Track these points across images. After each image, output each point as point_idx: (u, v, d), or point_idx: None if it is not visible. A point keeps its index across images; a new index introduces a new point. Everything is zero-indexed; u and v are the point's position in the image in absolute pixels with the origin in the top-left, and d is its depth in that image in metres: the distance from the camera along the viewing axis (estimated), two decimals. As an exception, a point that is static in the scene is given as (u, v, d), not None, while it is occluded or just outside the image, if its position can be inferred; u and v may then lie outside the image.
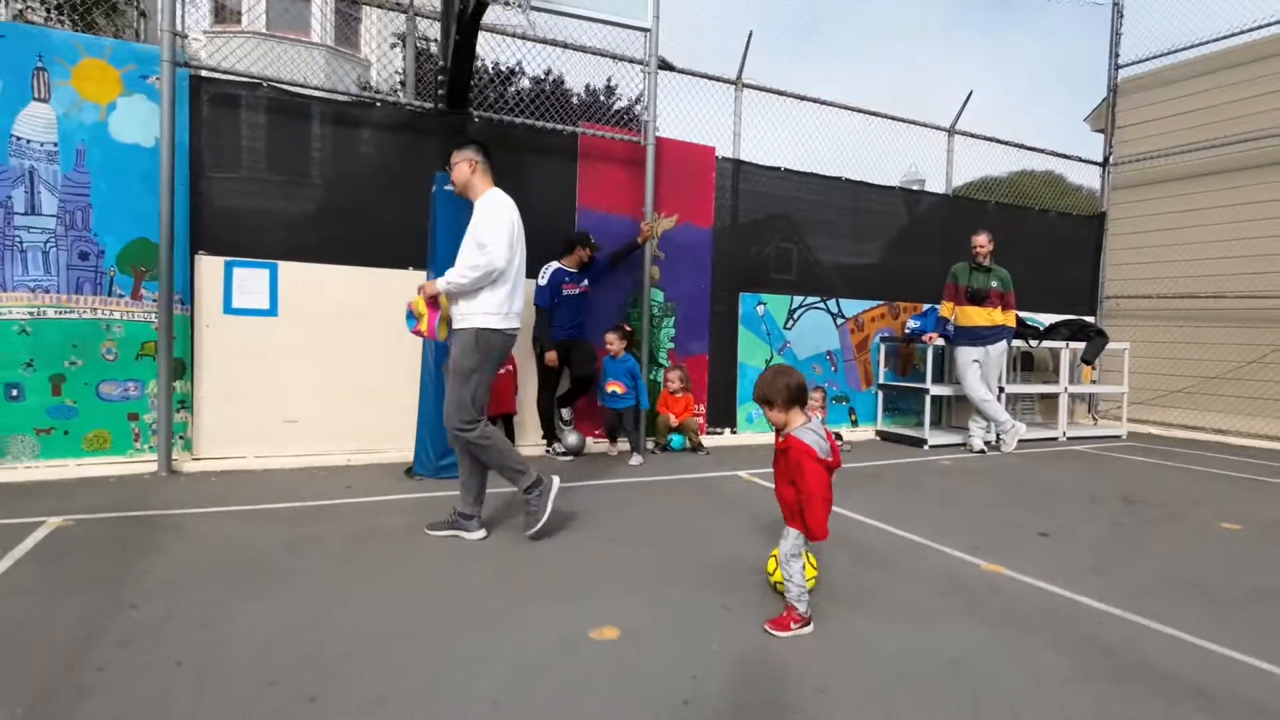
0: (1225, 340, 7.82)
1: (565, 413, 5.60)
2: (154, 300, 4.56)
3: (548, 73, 8.02)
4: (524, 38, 4.83)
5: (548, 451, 5.61)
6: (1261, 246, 7.56)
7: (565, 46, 5.63)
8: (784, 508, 2.59)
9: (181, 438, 4.69)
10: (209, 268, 4.73)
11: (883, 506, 4.21)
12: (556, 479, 3.49)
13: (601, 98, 11.19)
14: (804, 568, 2.53)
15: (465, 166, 3.44)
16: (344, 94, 5.12)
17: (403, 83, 5.34)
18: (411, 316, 3.46)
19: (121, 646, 2.20)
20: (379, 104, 5.19)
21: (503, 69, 6.82)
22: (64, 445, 4.42)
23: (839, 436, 6.41)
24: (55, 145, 4.34)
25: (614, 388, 5.43)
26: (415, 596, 2.68)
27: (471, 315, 3.31)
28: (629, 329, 5.57)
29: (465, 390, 3.30)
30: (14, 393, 4.31)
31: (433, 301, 3.40)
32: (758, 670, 2.18)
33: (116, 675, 2.03)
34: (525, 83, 8.73)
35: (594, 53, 5.87)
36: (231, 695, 1.95)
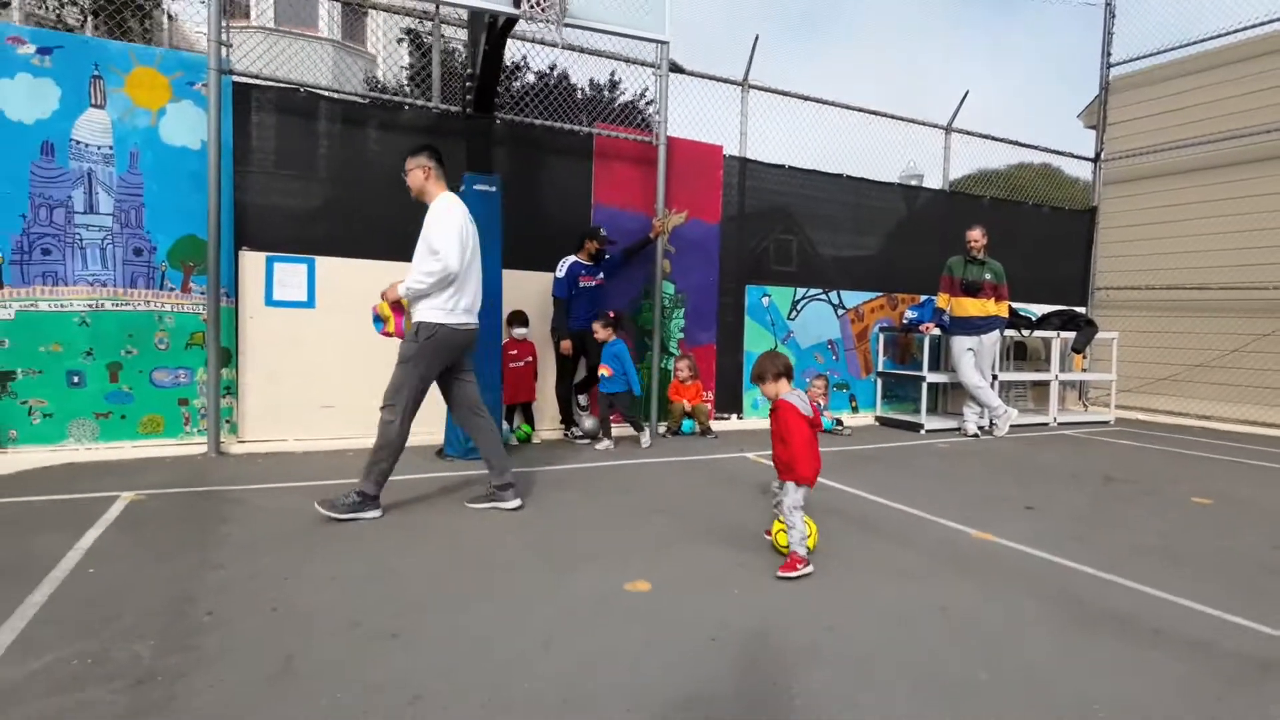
0: (1209, 330, 8.13)
1: (582, 399, 5.92)
2: (202, 293, 4.86)
3: (552, 67, 8.29)
4: (551, 44, 5.12)
5: (566, 435, 5.92)
6: (1244, 240, 7.86)
7: (582, 51, 5.90)
8: (777, 464, 3.06)
9: (227, 421, 5.00)
10: (252, 263, 5.03)
11: (882, 484, 4.53)
12: (377, 514, 3.49)
13: (605, 92, 11.46)
14: (805, 521, 2.93)
15: (420, 173, 3.60)
16: (375, 97, 5.41)
17: (417, 83, 5.60)
18: (378, 319, 3.66)
19: (221, 595, 2.52)
20: (408, 107, 5.48)
21: (507, 64, 7.08)
22: (121, 428, 4.73)
23: (839, 421, 6.73)
24: (111, 149, 4.63)
25: (602, 370, 5.58)
26: (465, 558, 3.00)
27: (419, 311, 3.51)
28: (613, 314, 5.67)
29: (399, 375, 3.47)
30: (75, 379, 4.61)
31: (396, 305, 3.59)
32: (774, 613, 2.50)
33: (224, 618, 2.35)
34: (530, 77, 8.99)
35: (609, 57, 6.14)
36: (324, 632, 2.27)
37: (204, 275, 4.83)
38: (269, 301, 5.09)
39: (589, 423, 5.76)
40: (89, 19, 6.60)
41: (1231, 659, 2.26)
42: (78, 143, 4.55)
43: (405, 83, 10.02)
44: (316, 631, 2.27)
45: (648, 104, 11.22)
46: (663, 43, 4.23)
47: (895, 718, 1.87)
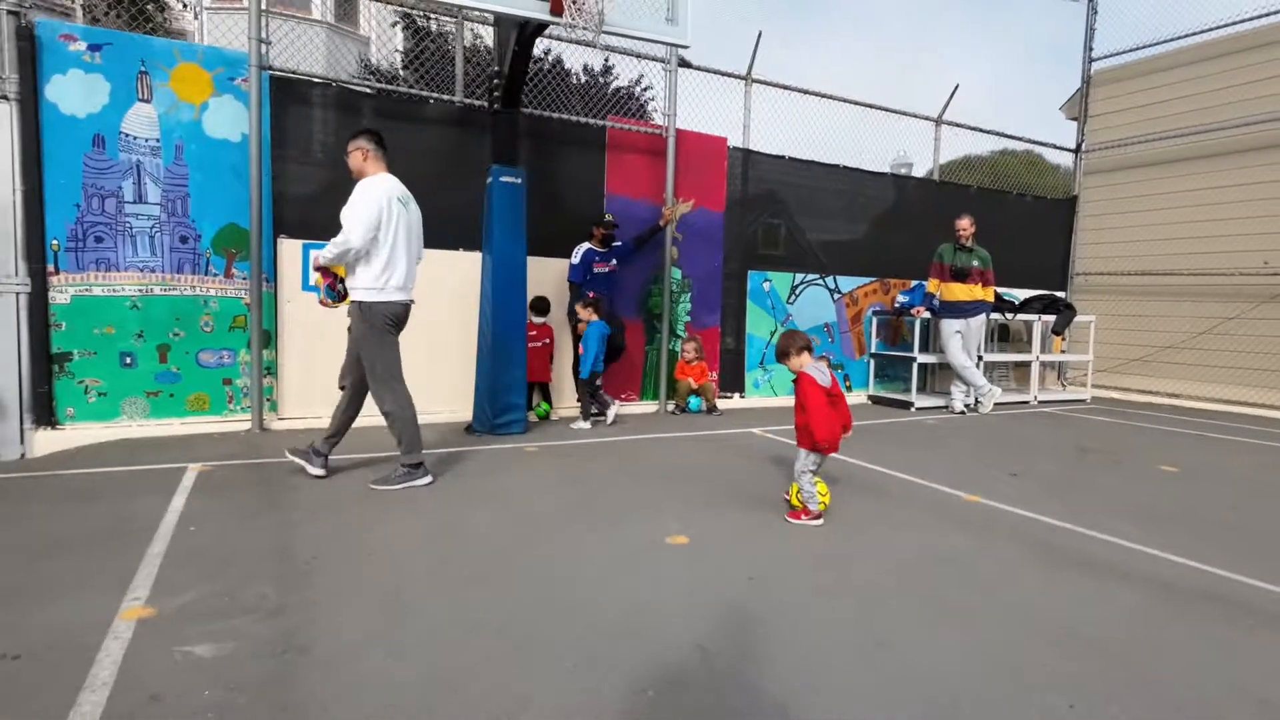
0: (1178, 313, 8.63)
1: (598, 381, 6.26)
2: (244, 278, 5.14)
3: (546, 52, 8.52)
4: (581, 43, 5.42)
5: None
6: (1211, 229, 8.34)
7: (596, 47, 6.16)
8: (797, 431, 3.44)
9: (268, 400, 5.30)
10: (289, 250, 5.31)
11: (879, 455, 4.94)
12: (429, 481, 3.84)
13: (599, 78, 11.72)
14: (815, 481, 3.36)
15: (358, 155, 3.75)
16: (403, 92, 5.66)
17: (414, 69, 5.85)
18: (315, 287, 3.95)
19: (315, 546, 2.87)
20: (432, 101, 5.75)
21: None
22: (170, 406, 5.02)
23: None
24: (158, 141, 4.87)
25: (581, 351, 5.80)
26: (519, 515, 3.37)
27: (354, 290, 3.73)
28: (593, 295, 5.81)
29: (366, 358, 3.73)
30: (127, 360, 4.89)
31: (324, 272, 3.81)
32: (799, 559, 2.89)
33: (326, 564, 2.70)
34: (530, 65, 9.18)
35: (622, 53, 6.43)
36: (417, 573, 2.63)
37: (245, 262, 5.10)
38: (305, 286, 5.37)
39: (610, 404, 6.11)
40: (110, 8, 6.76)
41: (1184, 594, 2.68)
42: (126, 135, 4.80)
43: (400, 68, 10.16)
44: (411, 573, 2.63)
45: (644, 90, 11.46)
46: (684, 47, 4.53)
47: (906, 635, 2.27)
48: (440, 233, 5.76)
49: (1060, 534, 3.34)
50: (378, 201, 3.65)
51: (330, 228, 5.38)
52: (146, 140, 4.85)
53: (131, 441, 4.70)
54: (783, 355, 3.52)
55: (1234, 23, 8.16)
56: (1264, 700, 1.93)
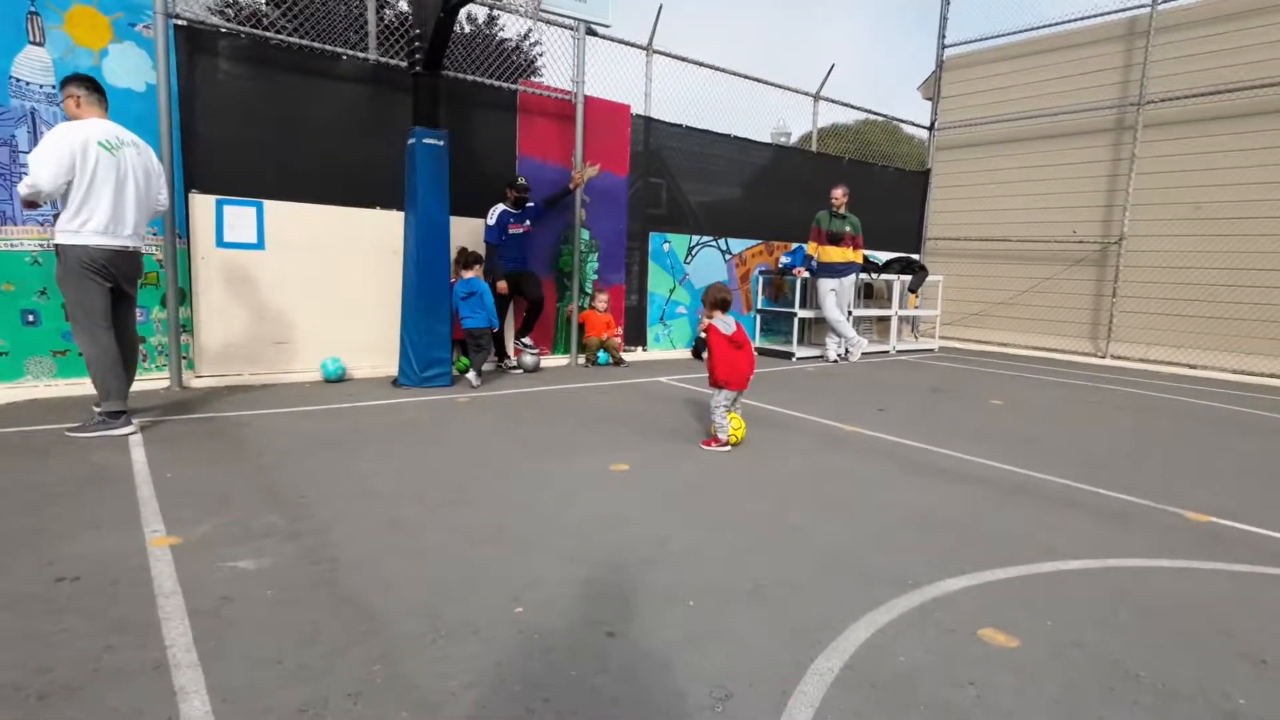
0: (1009, 274, 10.15)
1: (528, 340, 6.65)
2: (154, 234, 5.05)
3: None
4: (514, 12, 5.58)
5: (500, 366, 6.66)
6: (1037, 201, 9.83)
7: (518, 14, 6.31)
8: (709, 375, 4.15)
9: (184, 358, 5.29)
10: (202, 205, 5.25)
11: (770, 397, 5.73)
12: (131, 430, 3.89)
13: (485, 29, 11.74)
14: (726, 416, 4.05)
15: (71, 102, 3.77)
16: (315, 47, 5.64)
17: (283, 11, 5.84)
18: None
19: (300, 485, 3.18)
20: (345, 58, 5.76)
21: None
22: (78, 365, 4.88)
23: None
24: (54, 87, 4.65)
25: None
26: (475, 455, 3.80)
27: (57, 232, 3.74)
28: (466, 249, 5.94)
29: (66, 300, 3.80)
30: (30, 318, 4.73)
31: (30, 205, 3.72)
32: (721, 476, 3.55)
33: (318, 499, 3.03)
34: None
35: (530, 17, 6.63)
36: (404, 501, 3.03)
37: (157, 219, 5.01)
38: (220, 243, 5.34)
39: (529, 358, 6.53)
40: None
41: (1000, 487, 3.59)
42: (18, 80, 4.55)
43: (264, 5, 9.61)
44: (398, 502, 3.03)
45: (532, 45, 11.50)
46: (606, 25, 4.90)
47: (812, 519, 2.97)
48: (354, 190, 5.90)
49: (916, 452, 4.22)
50: (67, 144, 3.62)
51: (244, 181, 5.41)
52: (41, 86, 4.63)
53: (44, 402, 4.61)
54: (704, 304, 4.25)
55: (1076, 19, 9.47)
56: (1050, 549, 2.79)
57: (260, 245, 5.51)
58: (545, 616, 2.10)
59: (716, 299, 4.21)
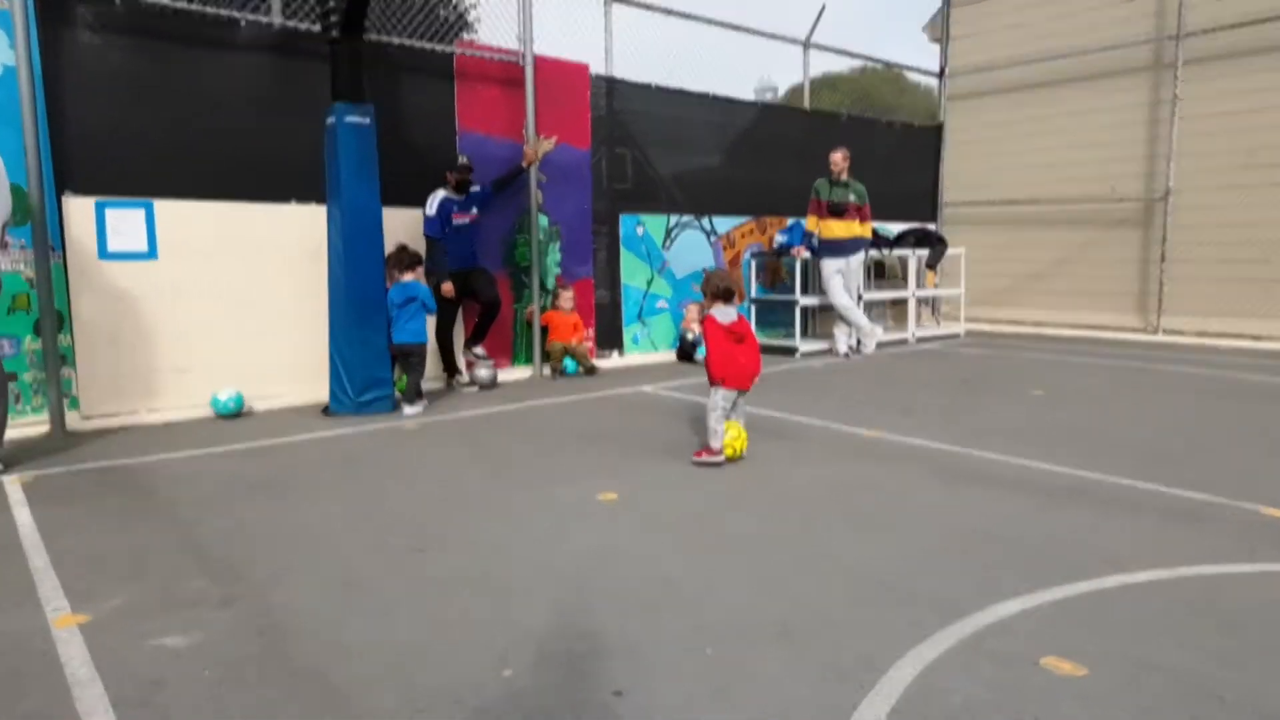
0: (1040, 242, 10.41)
1: (479, 349, 6.67)
2: (22, 247, 4.99)
3: None
4: None
5: (451, 384, 6.66)
6: (1069, 155, 10.09)
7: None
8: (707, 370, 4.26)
9: (66, 396, 5.21)
10: (78, 209, 5.19)
11: (776, 402, 5.82)
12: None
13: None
14: (723, 420, 4.13)
15: None
16: (205, 12, 5.60)
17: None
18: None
19: (226, 540, 3.17)
20: (244, 24, 5.74)
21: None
22: (-64, 412, 4.83)
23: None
24: (-112, 76, 4.58)
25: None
26: (434, 492, 3.82)
27: None
28: (406, 248, 5.83)
29: None
30: (-127, 358, 4.64)
31: None
32: (726, 498, 3.62)
33: (250, 555, 3.03)
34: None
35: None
36: (355, 552, 3.05)
37: (24, 227, 4.95)
38: (103, 254, 5.28)
39: (484, 372, 6.53)
40: None
41: (1049, 492, 3.72)
42: None
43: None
44: (349, 553, 3.04)
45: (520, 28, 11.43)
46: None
47: (839, 541, 3.06)
48: (264, 183, 5.88)
49: (952, 457, 4.34)
50: None
51: (129, 178, 5.36)
52: (-128, 75, 4.55)
53: (-105, 459, 4.52)
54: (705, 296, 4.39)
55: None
56: (1113, 560, 2.90)
57: (152, 254, 5.46)
58: (540, 678, 2.14)
59: (718, 288, 4.28)
